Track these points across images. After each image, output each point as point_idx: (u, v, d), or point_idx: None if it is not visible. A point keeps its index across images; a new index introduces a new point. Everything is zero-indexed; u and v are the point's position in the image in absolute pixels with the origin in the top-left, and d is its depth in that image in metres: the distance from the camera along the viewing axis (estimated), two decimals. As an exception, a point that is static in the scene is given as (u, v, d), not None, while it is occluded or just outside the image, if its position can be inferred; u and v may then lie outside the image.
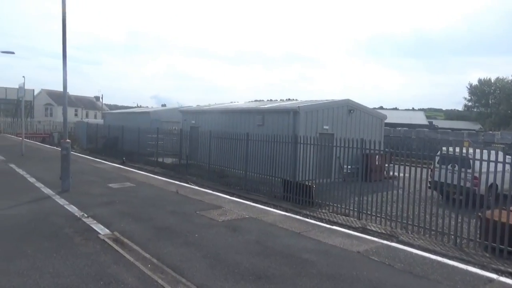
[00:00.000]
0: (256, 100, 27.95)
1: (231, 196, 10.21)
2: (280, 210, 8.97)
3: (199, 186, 11.54)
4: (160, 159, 22.46)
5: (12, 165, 13.70)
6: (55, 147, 25.90)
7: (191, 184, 12.90)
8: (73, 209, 7.45)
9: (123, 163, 19.42)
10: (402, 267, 5.05)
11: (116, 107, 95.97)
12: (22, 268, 4.50)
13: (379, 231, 8.16)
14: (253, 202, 9.45)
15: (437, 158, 8.94)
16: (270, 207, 9.14)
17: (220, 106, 23.29)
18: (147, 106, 61.03)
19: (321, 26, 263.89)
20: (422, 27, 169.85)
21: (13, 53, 28.00)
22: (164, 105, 47.97)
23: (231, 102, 25.79)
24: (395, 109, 68.33)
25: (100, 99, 72.05)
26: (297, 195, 11.07)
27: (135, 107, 71.06)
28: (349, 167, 11.99)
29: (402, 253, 5.64)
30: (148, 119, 29.03)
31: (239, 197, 10.70)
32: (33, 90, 54.95)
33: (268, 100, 26.82)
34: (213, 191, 10.63)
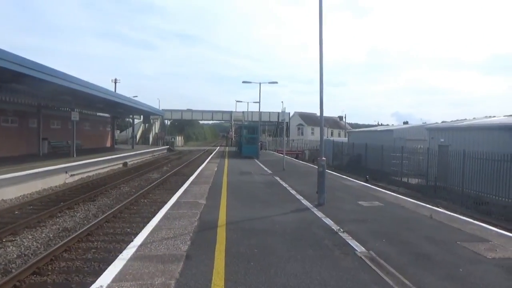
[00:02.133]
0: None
1: (495, 227, 8.65)
2: None
3: (451, 212, 10.34)
4: (404, 179, 21.60)
5: (277, 178, 16.25)
6: (306, 163, 29.06)
7: (441, 209, 11.74)
8: (329, 222, 8.09)
9: (366, 181, 19.73)
10: None
11: (357, 125, 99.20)
12: (295, 271, 5.19)
13: None
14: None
15: None
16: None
17: (474, 122, 20.33)
18: (387, 124, 60.25)
19: None
20: None
21: (276, 82, 33.44)
22: (406, 122, 46.14)
23: (486, 117, 22.07)
24: None
25: (343, 118, 76.21)
26: None
27: (376, 125, 71.30)
28: None
29: None
30: (391, 137, 28.53)
31: (509, 230, 8.92)
32: (289, 113, 63.72)
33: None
34: (471, 219, 9.30)
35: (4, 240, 8.80)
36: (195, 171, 19.16)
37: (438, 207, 12.40)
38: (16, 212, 11.80)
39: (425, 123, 34.75)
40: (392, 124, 48.51)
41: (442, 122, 32.06)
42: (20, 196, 14.45)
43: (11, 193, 14.09)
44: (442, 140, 21.37)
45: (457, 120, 24.02)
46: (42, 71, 16.14)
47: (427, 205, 10.97)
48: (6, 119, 23.78)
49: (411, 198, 12.41)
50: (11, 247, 8.37)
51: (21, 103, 22.62)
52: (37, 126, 25.83)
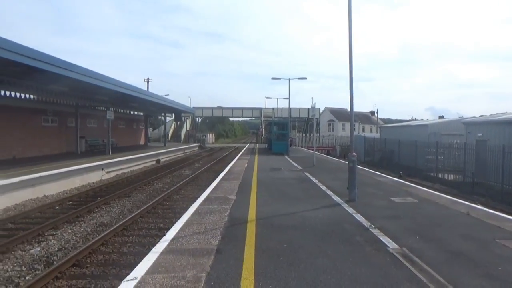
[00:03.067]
0: None
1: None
2: None
3: (490, 209, 9.91)
4: (440, 175, 20.91)
5: (307, 174, 16.16)
6: (338, 159, 28.68)
7: (479, 206, 11.26)
8: (360, 218, 7.98)
9: (400, 177, 19.25)
10: None
11: (389, 120, 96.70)
12: (326, 266, 5.17)
13: None
14: None
15: None
16: None
17: (515, 115, 19.31)
18: (422, 119, 58.30)
19: None
20: None
21: (305, 78, 33.17)
22: (441, 117, 44.47)
23: (530, 110, 20.87)
24: None
25: (375, 114, 74.53)
26: None
27: (410, 120, 69.22)
28: None
29: None
30: (425, 132, 27.67)
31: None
32: (319, 108, 63.04)
33: None
34: (511, 216, 8.87)
35: (46, 234, 9.28)
36: (226, 167, 19.37)
37: (475, 203, 11.93)
38: (57, 208, 12.40)
39: (462, 117, 33.43)
40: (427, 119, 46.91)
41: (481, 116, 30.70)
42: (60, 192, 15.17)
43: (53, 189, 14.82)
44: (480, 134, 20.49)
45: (497, 114, 22.91)
46: (79, 72, 16.80)
47: (464, 202, 10.58)
48: (46, 119, 24.96)
49: (446, 195, 11.99)
50: (52, 240, 8.82)
51: (60, 103, 23.69)
52: (75, 125, 26.93)
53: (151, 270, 4.93)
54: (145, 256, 5.59)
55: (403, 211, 8.75)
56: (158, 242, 6.35)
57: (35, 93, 19.72)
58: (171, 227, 7.37)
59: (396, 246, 6.07)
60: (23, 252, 7.97)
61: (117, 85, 21.30)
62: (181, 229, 6.99)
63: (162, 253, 5.62)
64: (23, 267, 7.17)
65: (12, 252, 7.93)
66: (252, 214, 8.30)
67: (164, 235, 6.77)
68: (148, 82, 58.70)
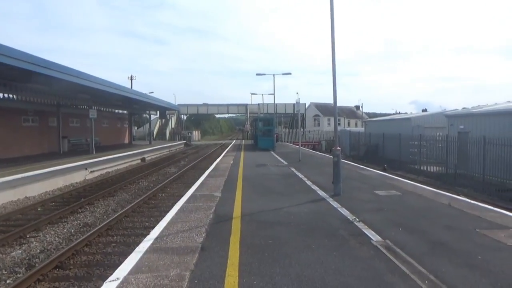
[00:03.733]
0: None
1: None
2: None
3: (472, 200, 10.11)
4: (423, 168, 21.23)
5: (293, 169, 16.21)
6: (323, 154, 28.87)
7: (462, 197, 11.49)
8: (345, 212, 8.04)
9: (384, 170, 19.48)
10: None
11: (374, 115, 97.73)
12: (310, 261, 5.19)
13: None
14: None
15: None
16: None
17: (494, 107, 19.71)
18: (406, 113, 59.10)
19: None
20: None
21: (290, 74, 33.19)
22: (424, 110, 45.20)
23: (508, 102, 21.36)
24: None
25: (360, 108, 75.22)
26: None
27: (394, 113, 70.13)
28: None
29: None
30: (409, 126, 28.05)
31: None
32: (305, 104, 63.24)
33: None
34: (492, 206, 9.08)
35: (28, 236, 9.08)
36: (211, 164, 19.30)
37: (458, 195, 12.16)
38: (39, 209, 12.15)
39: (445, 110, 34.00)
40: (411, 112, 47.60)
41: (463, 108, 31.26)
42: (43, 193, 14.87)
43: (35, 190, 14.51)
44: (462, 126, 20.86)
45: (478, 106, 23.37)
46: (59, 70, 16.44)
47: (447, 193, 10.77)
48: (27, 119, 24.40)
49: (430, 187, 12.19)
50: (34, 242, 8.64)
51: (41, 103, 23.19)
52: (57, 124, 26.41)
53: (134, 270, 4.87)
54: (128, 255, 5.52)
55: (387, 204, 8.86)
56: (142, 241, 6.28)
57: (14, 92, 19.24)
58: (156, 225, 7.30)
59: (379, 238, 6.14)
60: (4, 255, 7.78)
61: (99, 83, 20.94)
62: (166, 227, 6.93)
63: (146, 252, 5.56)
64: (4, 270, 6.99)
65: (-8, 256, 7.74)
66: (237, 210, 8.28)
67: (149, 234, 6.70)
68: (132, 80, 57.92)
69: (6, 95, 20.11)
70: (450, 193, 11.32)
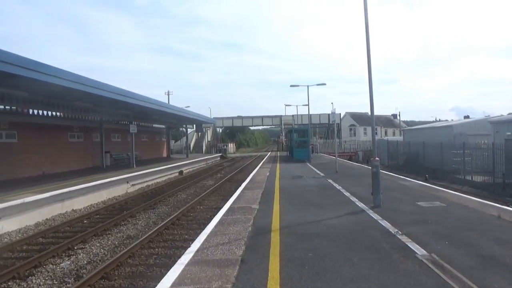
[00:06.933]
0: None
1: None
2: None
3: (524, 211, 9.52)
4: (467, 177, 20.28)
5: (330, 180, 15.99)
6: (360, 164, 28.27)
7: (511, 207, 10.84)
8: (386, 224, 7.81)
9: (425, 180, 18.79)
10: None
11: (413, 123, 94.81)
12: (352, 275, 5.08)
13: None
14: None
15: None
16: None
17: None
18: (446, 120, 56.92)
19: None
20: None
21: (324, 84, 32.99)
22: (467, 117, 43.27)
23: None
24: None
25: (398, 116, 73.23)
26: None
27: (434, 121, 67.73)
28: None
29: None
30: (450, 133, 27.02)
31: None
32: (340, 113, 62.48)
33: None
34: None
35: (75, 247, 9.52)
36: (248, 176, 19.40)
37: (508, 206, 11.49)
38: (85, 221, 12.71)
39: (489, 116, 32.46)
40: (452, 120, 45.77)
41: (509, 114, 29.73)
42: (88, 205, 15.56)
43: (81, 203, 15.22)
44: (509, 133, 19.83)
45: (526, 111, 22.13)
46: (106, 89, 17.32)
47: (495, 204, 10.18)
48: (73, 135, 25.75)
49: (476, 197, 11.60)
50: (81, 254, 9.03)
51: (85, 119, 24.41)
52: (100, 140, 27.66)
53: (177, 282, 4.98)
54: (171, 268, 5.64)
55: (431, 216, 8.52)
56: (183, 253, 6.40)
57: (61, 110, 20.41)
58: (196, 238, 7.42)
59: (424, 252, 5.91)
60: (54, 266, 8.19)
61: (139, 99, 21.79)
62: (206, 240, 7.03)
63: (188, 264, 5.66)
64: (54, 280, 7.36)
65: (44, 266, 8.16)
66: (275, 223, 8.27)
67: (189, 246, 6.82)
68: (168, 95, 59.86)
69: (53, 113, 21.36)
70: (499, 204, 10.71)
